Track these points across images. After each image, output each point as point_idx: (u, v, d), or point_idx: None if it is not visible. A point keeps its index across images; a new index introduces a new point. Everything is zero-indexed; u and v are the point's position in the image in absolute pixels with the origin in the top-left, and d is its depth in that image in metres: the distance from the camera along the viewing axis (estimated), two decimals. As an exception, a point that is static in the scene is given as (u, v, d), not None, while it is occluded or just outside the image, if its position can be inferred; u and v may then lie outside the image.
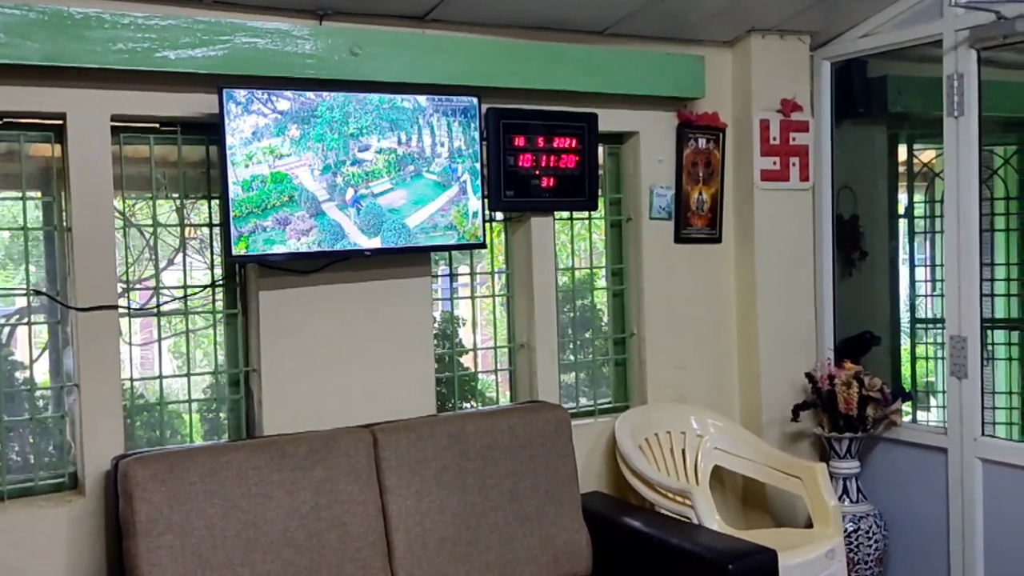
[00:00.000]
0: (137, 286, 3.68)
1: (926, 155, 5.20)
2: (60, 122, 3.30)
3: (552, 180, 4.08)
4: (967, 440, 4.19)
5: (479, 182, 3.83)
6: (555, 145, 4.08)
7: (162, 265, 3.67)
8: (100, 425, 3.34)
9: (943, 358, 4.38)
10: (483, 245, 3.91)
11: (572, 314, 4.48)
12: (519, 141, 3.99)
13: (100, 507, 3.32)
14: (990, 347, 4.71)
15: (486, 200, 3.91)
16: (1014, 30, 3.86)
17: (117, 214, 3.46)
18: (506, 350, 4.29)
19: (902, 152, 5.22)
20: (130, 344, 3.58)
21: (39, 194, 3.44)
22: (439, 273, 4.17)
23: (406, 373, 3.86)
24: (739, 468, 4.36)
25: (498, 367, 4.32)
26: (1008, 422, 4.97)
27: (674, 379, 4.50)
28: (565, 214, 4.34)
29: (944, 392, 4.37)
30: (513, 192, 4.00)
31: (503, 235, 4.29)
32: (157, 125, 3.50)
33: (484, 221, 3.89)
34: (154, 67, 3.28)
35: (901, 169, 5.19)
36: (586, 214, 4.40)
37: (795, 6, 4.29)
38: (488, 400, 4.39)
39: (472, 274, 4.25)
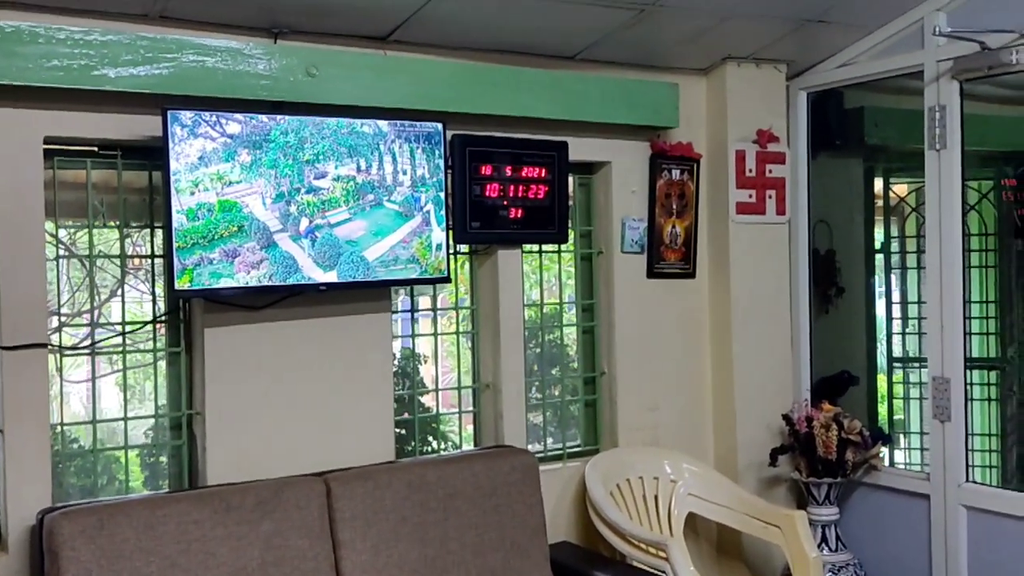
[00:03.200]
0: (74, 321, 3.40)
1: (900, 188, 5.08)
2: (-13, 144, 3.04)
3: (520, 211, 3.88)
4: (951, 486, 4.02)
5: (443, 212, 3.61)
6: (523, 174, 3.88)
7: (102, 298, 3.40)
8: (26, 475, 3.06)
9: (918, 398, 4.21)
10: (447, 279, 3.69)
11: (539, 350, 4.26)
12: (486, 170, 3.78)
13: (25, 566, 3.04)
14: (968, 388, 4.56)
15: (451, 232, 3.70)
16: (999, 61, 3.75)
17: (51, 242, 3.19)
18: (470, 390, 4.06)
19: (878, 185, 5.09)
20: (60, 385, 3.29)
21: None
22: (400, 308, 3.94)
23: (363, 416, 3.62)
24: (715, 515, 4.15)
25: (462, 408, 4.09)
26: (986, 465, 4.82)
27: (646, 421, 4.29)
28: (534, 247, 4.13)
29: (920, 433, 4.20)
30: (479, 223, 3.79)
31: (468, 268, 4.07)
32: (95, 148, 3.25)
33: (448, 254, 3.67)
34: (92, 85, 3.03)
35: (877, 203, 5.06)
36: (555, 247, 4.18)
37: (771, 34, 4.15)
38: (451, 442, 4.15)
39: (435, 310, 4.02)
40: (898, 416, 5.09)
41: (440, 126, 3.59)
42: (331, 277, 3.39)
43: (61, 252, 3.30)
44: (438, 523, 3.40)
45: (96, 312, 3.41)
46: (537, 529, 3.61)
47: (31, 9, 3.01)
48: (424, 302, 4.04)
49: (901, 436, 5.03)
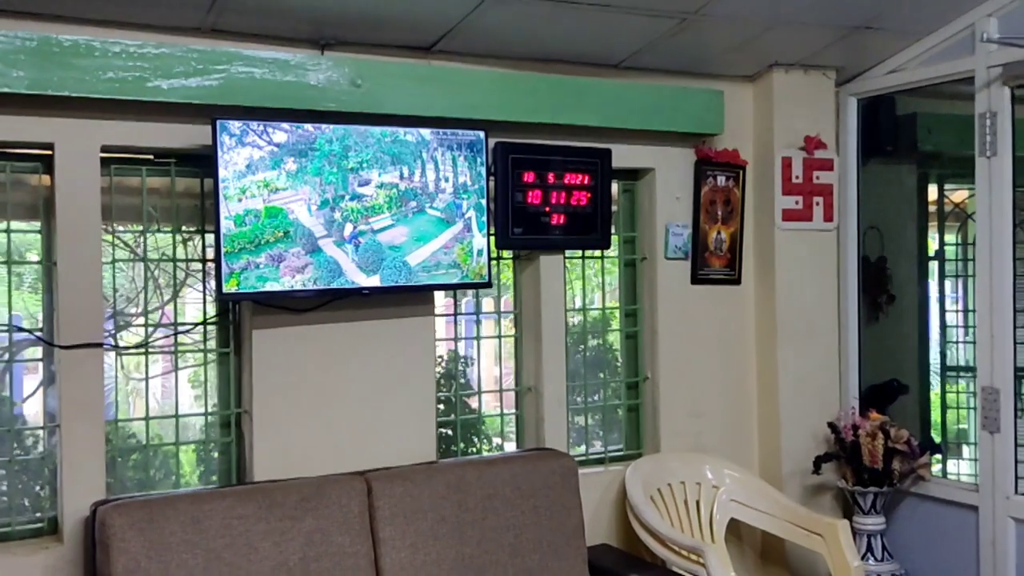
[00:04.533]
0: (133, 322, 3.54)
1: (958, 195, 4.99)
2: (48, 152, 3.18)
3: (563, 217, 3.93)
4: (999, 498, 3.95)
5: (485, 219, 3.68)
6: (566, 181, 3.92)
7: (164, 299, 3.53)
8: (81, 469, 3.19)
9: (975, 408, 4.14)
10: (488, 285, 3.75)
11: (584, 355, 4.30)
12: (528, 177, 3.84)
13: (79, 555, 3.17)
14: (1018, 398, 4.46)
15: (492, 238, 3.76)
16: (1050, 67, 3.68)
17: (116, 244, 3.33)
18: (513, 393, 4.12)
19: (932, 192, 5.01)
20: (115, 381, 3.43)
21: (37, 226, 3.32)
22: (444, 312, 4.01)
23: (405, 417, 3.70)
24: (757, 522, 4.14)
25: (503, 411, 4.14)
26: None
27: (689, 426, 4.30)
28: (576, 253, 4.17)
29: (973, 444, 4.13)
30: (521, 229, 3.85)
31: (511, 274, 4.12)
32: (151, 156, 3.38)
33: (490, 259, 3.73)
34: (146, 97, 3.16)
35: (931, 210, 4.98)
36: (598, 253, 4.22)
37: (820, 40, 4.13)
38: (495, 444, 4.21)
39: (478, 314, 4.08)
40: (961, 425, 4.99)
41: (482, 134, 3.65)
42: (374, 281, 3.48)
43: (117, 255, 3.44)
44: (476, 523, 3.46)
45: (161, 312, 3.55)
46: (575, 531, 3.65)
47: (88, 23, 3.15)
48: (474, 305, 4.10)
49: (958, 446, 4.94)
